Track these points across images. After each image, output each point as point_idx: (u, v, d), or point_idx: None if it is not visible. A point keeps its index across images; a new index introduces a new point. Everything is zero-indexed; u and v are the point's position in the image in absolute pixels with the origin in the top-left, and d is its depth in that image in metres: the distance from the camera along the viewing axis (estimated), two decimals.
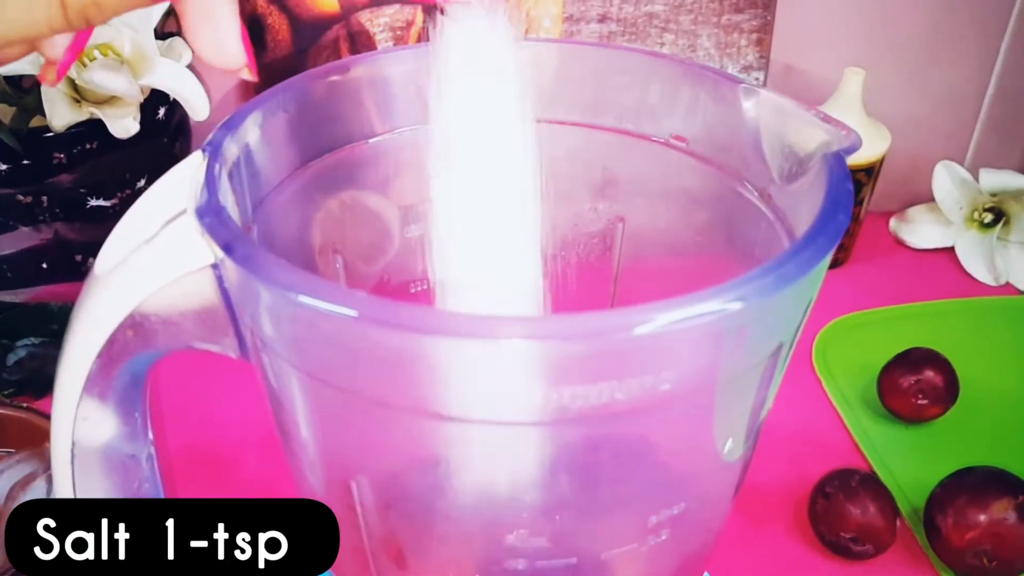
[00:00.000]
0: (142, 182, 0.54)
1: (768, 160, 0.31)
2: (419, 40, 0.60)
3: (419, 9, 0.59)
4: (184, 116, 0.57)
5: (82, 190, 0.53)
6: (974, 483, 0.45)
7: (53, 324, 0.56)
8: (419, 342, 0.22)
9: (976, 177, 0.64)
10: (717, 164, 0.34)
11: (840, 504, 0.45)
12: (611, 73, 0.35)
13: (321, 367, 0.25)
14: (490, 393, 0.23)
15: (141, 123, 0.50)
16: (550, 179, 0.38)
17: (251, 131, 0.30)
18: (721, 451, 0.26)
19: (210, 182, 0.26)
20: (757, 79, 0.63)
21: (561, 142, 0.37)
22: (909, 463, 0.51)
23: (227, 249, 0.24)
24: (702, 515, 0.28)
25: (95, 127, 0.50)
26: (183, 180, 0.28)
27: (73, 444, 0.28)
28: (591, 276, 0.39)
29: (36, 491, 0.46)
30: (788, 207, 0.31)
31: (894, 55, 0.67)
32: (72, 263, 0.55)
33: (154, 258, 0.26)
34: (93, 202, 0.53)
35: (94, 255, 0.54)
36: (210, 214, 0.25)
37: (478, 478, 0.26)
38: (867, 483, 0.46)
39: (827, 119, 0.30)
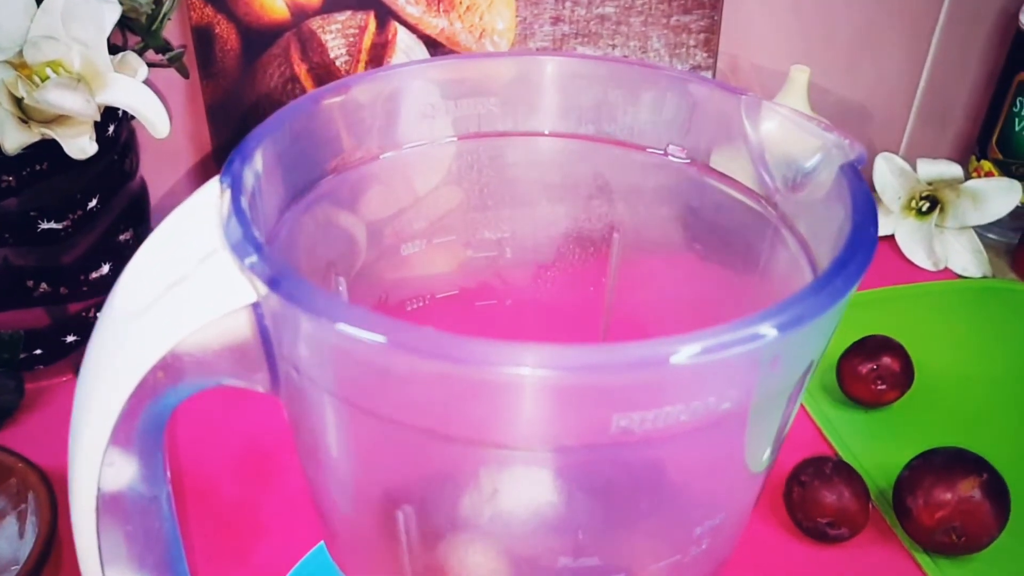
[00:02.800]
0: (93, 202, 0.52)
1: (771, 170, 0.32)
2: (372, 46, 0.60)
3: (372, 15, 0.59)
4: (132, 132, 0.55)
5: (32, 213, 0.50)
6: (940, 464, 0.47)
7: (4, 353, 0.54)
8: (483, 373, 0.22)
9: (913, 167, 0.67)
10: (719, 174, 0.34)
11: (816, 491, 0.47)
12: (608, 85, 0.36)
13: (374, 400, 0.25)
14: (550, 422, 0.23)
15: None
16: (545, 189, 0.38)
17: (262, 158, 0.30)
18: (759, 460, 0.27)
19: (240, 216, 0.26)
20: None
21: (556, 153, 0.37)
22: (871, 446, 0.53)
23: (273, 285, 0.24)
24: (736, 521, 0.29)
25: (43, 147, 0.48)
26: (197, 211, 0.28)
27: (99, 491, 0.28)
28: (585, 287, 0.40)
29: (7, 530, 0.45)
30: (796, 215, 0.32)
31: (833, 51, 0.69)
32: (23, 289, 0.53)
33: (191, 299, 0.25)
34: (44, 225, 0.51)
35: (46, 280, 0.53)
36: (250, 250, 0.24)
37: (535, 503, 0.26)
38: (840, 469, 0.48)
39: (829, 128, 0.31)
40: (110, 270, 0.55)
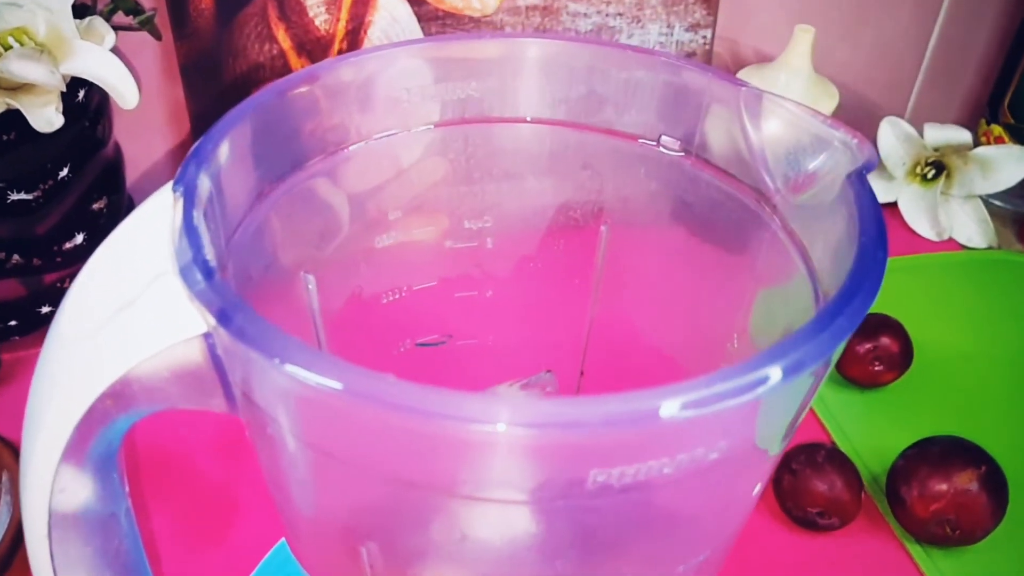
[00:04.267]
0: (65, 171, 0.50)
1: (771, 168, 0.30)
2: (352, 4, 0.57)
3: None
4: (104, 97, 0.52)
5: (1, 184, 0.48)
6: (937, 454, 0.45)
7: None
8: (448, 428, 0.20)
9: (919, 131, 0.64)
10: (715, 168, 0.32)
11: (807, 479, 0.46)
12: (597, 70, 0.33)
13: (332, 443, 0.23)
14: (522, 476, 0.22)
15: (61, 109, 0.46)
16: (529, 178, 0.36)
17: (220, 159, 0.28)
18: (750, 496, 0.26)
19: (191, 235, 0.24)
20: (704, 37, 0.62)
21: (546, 142, 0.35)
22: (866, 429, 0.52)
23: (221, 319, 0.22)
24: (720, 554, 0.28)
25: (10, 116, 0.46)
26: (149, 221, 0.26)
27: (50, 516, 0.26)
28: (571, 279, 0.38)
29: None
30: (795, 216, 0.30)
31: (837, 10, 0.66)
32: None
33: (139, 326, 0.23)
34: (14, 196, 0.49)
35: (18, 252, 0.51)
36: (198, 278, 0.22)
37: (505, 545, 0.24)
38: (832, 458, 0.46)
39: (835, 125, 0.29)
40: (84, 240, 0.53)
